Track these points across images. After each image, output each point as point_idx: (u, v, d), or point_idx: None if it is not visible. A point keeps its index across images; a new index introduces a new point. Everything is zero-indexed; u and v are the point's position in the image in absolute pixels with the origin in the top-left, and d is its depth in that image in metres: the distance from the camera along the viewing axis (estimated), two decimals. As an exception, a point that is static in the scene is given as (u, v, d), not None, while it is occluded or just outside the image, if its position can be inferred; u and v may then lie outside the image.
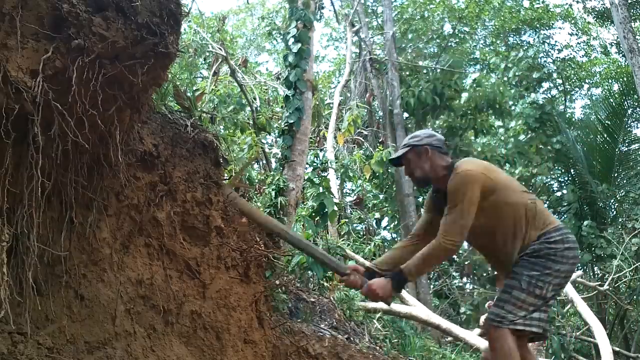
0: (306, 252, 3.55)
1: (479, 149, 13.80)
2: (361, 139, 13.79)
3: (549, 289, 2.76)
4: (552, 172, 15.13)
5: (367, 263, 6.50)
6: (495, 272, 3.15)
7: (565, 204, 13.75)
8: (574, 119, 16.61)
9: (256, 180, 8.32)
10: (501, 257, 2.94)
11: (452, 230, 2.80)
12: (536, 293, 2.74)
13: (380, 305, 6.73)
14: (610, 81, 16.50)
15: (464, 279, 15.88)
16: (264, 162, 10.68)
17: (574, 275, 10.29)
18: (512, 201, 2.86)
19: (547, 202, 16.33)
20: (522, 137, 14.53)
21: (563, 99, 17.50)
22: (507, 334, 2.72)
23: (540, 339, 3.02)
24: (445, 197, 2.93)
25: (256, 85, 11.43)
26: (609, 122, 13.82)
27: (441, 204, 3.00)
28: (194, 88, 7.69)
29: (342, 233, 10.86)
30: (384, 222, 15.48)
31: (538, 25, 17.88)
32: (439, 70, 14.25)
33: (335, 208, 8.09)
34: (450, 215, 2.82)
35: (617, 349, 10.97)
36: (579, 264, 12.91)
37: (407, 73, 14.77)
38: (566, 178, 15.12)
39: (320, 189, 7.93)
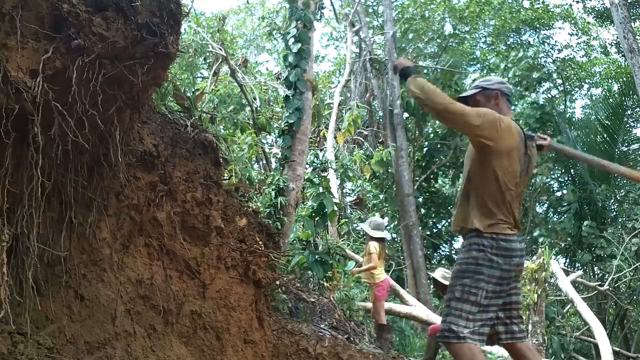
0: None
1: (479, 149, 13.77)
2: (361, 139, 13.80)
3: (483, 295, 2.72)
4: (552, 172, 15.13)
5: (375, 249, 6.43)
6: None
7: (565, 204, 13.76)
8: (574, 119, 16.62)
9: (256, 180, 8.32)
10: (459, 207, 2.95)
11: (457, 107, 2.80)
12: (471, 300, 2.72)
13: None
14: (610, 81, 16.50)
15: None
16: (264, 162, 10.69)
17: (573, 275, 10.30)
18: (498, 175, 2.81)
19: (547, 202, 16.36)
20: (522, 137, 14.51)
21: (563, 99, 17.50)
22: (462, 346, 2.71)
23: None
24: None
25: (256, 85, 11.43)
26: (608, 122, 13.83)
27: None
28: (194, 88, 7.69)
29: (342, 233, 10.86)
30: (384, 222, 15.48)
31: (538, 25, 17.88)
32: (439, 70, 14.25)
33: (335, 208, 8.09)
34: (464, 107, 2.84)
35: (617, 349, 10.98)
36: (579, 264, 12.92)
37: (407, 73, 14.74)
38: (566, 178, 15.13)
39: (320, 189, 7.93)
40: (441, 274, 6.18)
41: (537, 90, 15.72)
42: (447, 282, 5.99)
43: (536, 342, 7.62)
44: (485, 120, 2.79)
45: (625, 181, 14.21)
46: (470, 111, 2.82)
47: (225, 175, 4.18)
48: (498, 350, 6.82)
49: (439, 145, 14.96)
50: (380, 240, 6.70)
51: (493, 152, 2.81)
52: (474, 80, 13.59)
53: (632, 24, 12.13)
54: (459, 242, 17.05)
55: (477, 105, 2.99)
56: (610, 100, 14.10)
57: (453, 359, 2.84)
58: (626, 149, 14.41)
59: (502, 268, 2.75)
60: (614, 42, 17.55)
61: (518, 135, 2.89)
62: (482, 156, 2.84)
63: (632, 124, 14.77)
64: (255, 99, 10.30)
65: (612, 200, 13.94)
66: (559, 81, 17.29)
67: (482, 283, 2.73)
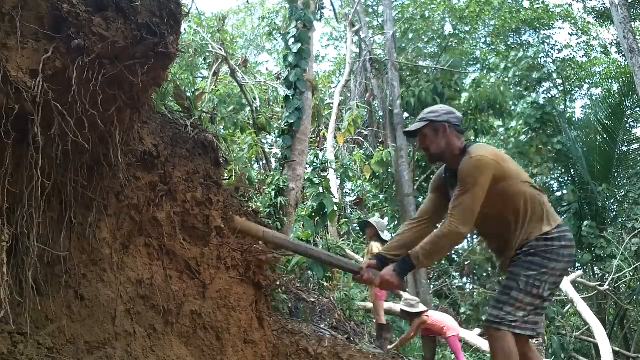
0: (316, 260, 3.60)
1: (479, 149, 13.76)
2: (361, 139, 13.80)
3: (546, 287, 2.76)
4: (552, 172, 15.13)
5: (378, 249, 6.51)
6: (498, 262, 3.14)
7: (565, 204, 13.75)
8: (574, 119, 16.62)
9: (256, 180, 8.32)
10: (503, 246, 2.93)
11: (461, 216, 2.77)
12: (533, 293, 2.75)
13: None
14: (610, 81, 16.51)
15: (464, 279, 15.88)
16: (264, 162, 10.69)
17: (573, 275, 10.30)
18: (519, 190, 2.85)
19: (547, 202, 16.33)
20: (522, 137, 14.53)
21: (563, 99, 17.50)
22: (507, 335, 2.72)
23: (532, 338, 3.01)
24: (455, 176, 2.91)
25: (256, 85, 11.43)
26: (608, 122, 13.83)
27: (451, 183, 2.99)
28: (194, 88, 7.69)
29: (342, 233, 10.86)
30: (384, 222, 15.47)
31: (538, 25, 17.88)
32: (439, 70, 14.25)
33: (335, 208, 8.10)
34: (460, 200, 2.79)
35: (617, 349, 10.97)
36: (579, 264, 12.93)
37: (408, 73, 14.77)
38: (566, 178, 15.13)
39: (320, 189, 7.94)
40: (406, 302, 6.30)
41: (537, 90, 15.73)
42: (412, 310, 6.12)
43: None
44: (485, 180, 2.77)
45: (625, 181, 14.21)
46: (472, 193, 2.76)
47: (225, 175, 4.18)
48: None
49: (439, 145, 14.92)
50: (383, 241, 6.71)
51: (507, 178, 2.85)
52: (474, 80, 13.62)
53: (632, 24, 12.14)
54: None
55: (424, 138, 3.00)
56: (610, 100, 14.10)
57: (491, 347, 2.84)
58: (626, 149, 14.42)
59: (565, 260, 2.81)
60: (614, 42, 17.56)
61: (496, 158, 2.88)
62: (498, 190, 2.84)
63: (632, 124, 14.79)
64: (255, 99, 10.30)
65: (612, 200, 13.94)
66: (559, 81, 17.29)
67: (546, 276, 2.76)
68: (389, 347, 6.22)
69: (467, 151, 2.90)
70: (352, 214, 12.98)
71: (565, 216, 13.66)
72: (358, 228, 10.67)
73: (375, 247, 6.54)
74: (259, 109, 10.10)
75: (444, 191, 3.10)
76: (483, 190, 2.77)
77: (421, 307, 6.32)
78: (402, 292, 6.33)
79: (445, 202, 3.04)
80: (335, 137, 11.83)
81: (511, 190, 2.83)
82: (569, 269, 2.99)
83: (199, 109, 4.88)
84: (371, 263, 3.13)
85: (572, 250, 2.87)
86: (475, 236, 16.02)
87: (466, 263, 14.46)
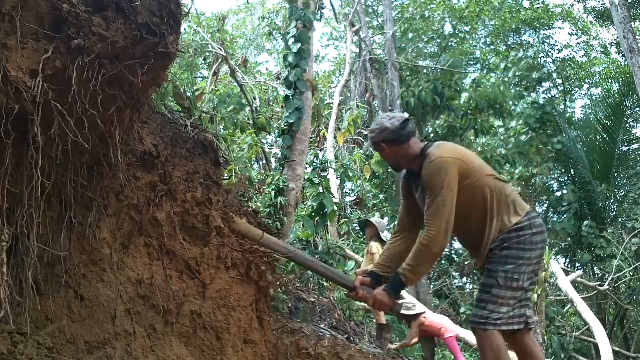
0: (311, 270, 3.60)
1: (479, 149, 13.80)
2: (361, 139, 13.80)
3: (525, 278, 2.76)
4: (552, 172, 15.13)
5: (370, 267, 6.53)
6: (473, 260, 3.12)
7: (565, 204, 13.76)
8: (574, 119, 16.63)
9: (256, 180, 8.32)
10: (476, 243, 2.91)
11: (436, 224, 2.75)
12: (514, 286, 2.74)
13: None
14: (610, 81, 16.51)
15: (464, 279, 15.88)
16: (264, 162, 10.69)
17: (573, 275, 10.31)
18: (485, 184, 2.83)
19: (548, 202, 16.35)
20: (522, 137, 14.53)
21: (563, 99, 17.51)
22: (494, 333, 2.73)
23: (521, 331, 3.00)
24: (418, 177, 2.91)
25: (256, 85, 11.44)
26: (608, 122, 13.83)
27: (415, 184, 2.99)
28: (194, 88, 7.69)
29: (342, 233, 10.86)
30: (385, 222, 15.47)
31: (538, 25, 17.89)
32: (439, 71, 14.25)
33: (335, 208, 8.10)
34: (432, 206, 2.76)
35: (617, 349, 10.98)
36: (579, 264, 12.93)
37: (408, 73, 14.77)
38: (566, 178, 15.13)
39: (320, 189, 7.94)
40: (403, 306, 6.32)
41: (537, 90, 15.73)
42: (409, 312, 6.13)
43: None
44: (451, 180, 2.75)
45: (625, 181, 14.22)
46: (442, 196, 2.74)
47: (225, 175, 4.19)
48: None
49: (439, 145, 14.93)
50: (383, 242, 6.71)
51: (471, 174, 2.84)
52: (474, 80, 13.61)
53: (632, 24, 12.14)
54: (458, 242, 17.03)
55: (388, 158, 3.04)
56: (610, 100, 14.11)
57: (480, 347, 2.84)
58: (626, 149, 14.42)
59: (539, 247, 2.82)
60: (614, 42, 17.56)
61: (458, 155, 2.88)
62: (464, 187, 2.82)
63: (632, 124, 14.80)
64: (255, 99, 10.31)
65: (612, 200, 13.95)
66: (559, 81, 17.30)
67: (523, 267, 2.76)
68: (392, 347, 6.24)
69: (426, 154, 2.86)
70: (352, 214, 12.97)
71: (565, 216, 13.67)
72: (358, 228, 10.68)
73: (375, 247, 6.54)
74: (259, 109, 10.11)
75: (412, 195, 3.09)
76: (452, 191, 2.75)
77: (418, 309, 6.33)
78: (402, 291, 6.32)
79: (416, 205, 3.05)
80: (335, 137, 11.84)
81: (477, 186, 2.82)
82: (544, 254, 2.97)
83: (199, 109, 4.88)
84: (365, 280, 3.09)
85: (544, 235, 2.86)
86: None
87: (466, 263, 14.44)
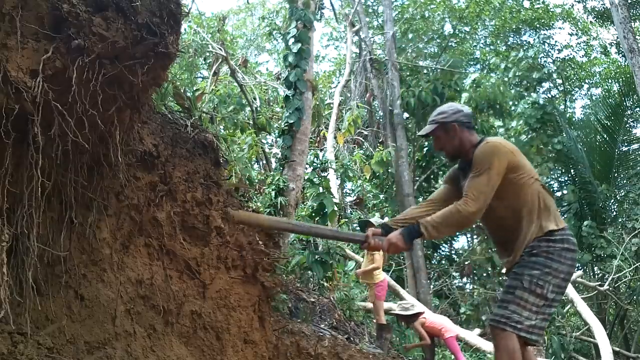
0: (319, 236, 3.63)
1: (479, 149, 13.76)
2: (361, 139, 13.80)
3: (550, 288, 2.76)
4: (552, 172, 15.13)
5: (369, 267, 6.54)
6: (502, 260, 3.12)
7: (565, 204, 13.75)
8: (574, 119, 16.62)
9: (256, 180, 8.32)
10: (510, 241, 2.91)
11: (474, 195, 2.77)
12: (537, 292, 2.74)
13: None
14: (610, 81, 16.50)
15: (464, 279, 15.88)
16: (264, 162, 10.69)
17: (573, 275, 10.30)
18: (530, 185, 2.86)
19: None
20: (522, 137, 14.53)
21: (563, 99, 17.50)
22: (512, 335, 2.72)
23: (533, 344, 3.01)
24: (468, 169, 2.93)
25: (256, 85, 11.44)
26: (608, 122, 13.83)
27: (466, 171, 3.00)
28: (194, 88, 7.69)
29: (342, 233, 10.83)
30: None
31: (538, 25, 17.89)
32: (439, 70, 14.25)
33: (335, 208, 8.09)
34: (475, 181, 2.80)
35: (617, 349, 10.97)
36: (579, 264, 12.92)
37: (407, 73, 14.77)
38: (566, 178, 15.13)
39: (320, 189, 7.93)
40: (400, 306, 6.35)
41: (537, 90, 15.72)
42: (407, 313, 6.16)
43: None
44: (500, 166, 2.78)
45: (625, 181, 14.21)
46: (488, 175, 2.76)
47: (225, 175, 4.18)
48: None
49: (439, 145, 14.92)
50: None
51: (519, 170, 2.85)
52: (474, 80, 13.62)
53: (632, 24, 12.14)
54: (458, 242, 17.03)
55: (438, 140, 3.05)
56: (610, 100, 14.09)
57: (495, 346, 2.82)
58: (626, 149, 14.41)
59: (568, 263, 2.81)
60: (614, 42, 17.56)
61: (511, 148, 2.91)
62: (510, 181, 2.84)
63: (632, 124, 14.77)
64: (255, 99, 10.31)
65: (612, 200, 13.94)
66: (559, 81, 17.29)
67: (549, 277, 2.75)
68: (407, 346, 6.29)
69: (481, 142, 2.94)
70: (352, 214, 12.97)
71: (565, 216, 13.65)
72: (358, 228, 10.67)
73: (375, 247, 6.55)
74: (259, 109, 10.11)
75: (456, 183, 3.11)
76: (498, 174, 2.78)
77: (416, 309, 6.34)
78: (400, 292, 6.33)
79: (457, 193, 3.05)
80: (335, 137, 11.83)
81: (522, 183, 2.84)
82: (573, 272, 2.95)
83: (199, 109, 4.88)
84: (376, 231, 3.13)
85: (574, 254, 2.86)
86: (476, 236, 16.04)
87: (466, 263, 14.46)
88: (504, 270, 3.22)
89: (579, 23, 18.63)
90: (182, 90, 4.31)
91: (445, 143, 3.05)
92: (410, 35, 16.02)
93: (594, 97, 17.79)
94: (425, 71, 14.97)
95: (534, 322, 2.74)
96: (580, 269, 12.85)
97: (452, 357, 6.89)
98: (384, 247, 3.03)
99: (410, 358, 6.94)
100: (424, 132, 3.12)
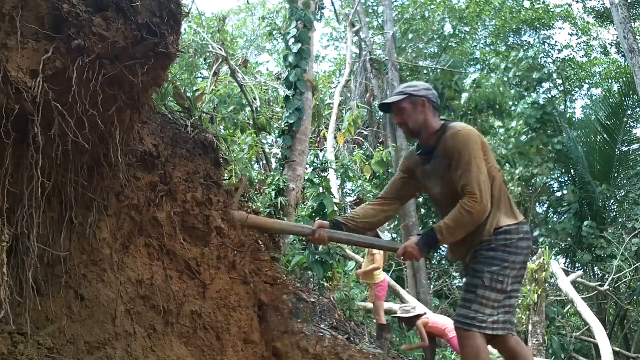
0: (276, 232, 3.69)
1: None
2: (361, 139, 13.81)
3: (509, 281, 2.75)
4: (552, 172, 15.13)
5: (371, 266, 6.53)
6: (454, 253, 3.10)
7: (565, 204, 13.77)
8: (574, 119, 16.63)
9: (256, 180, 8.33)
10: (468, 235, 2.84)
11: (477, 190, 2.69)
12: (498, 288, 2.73)
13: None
14: (610, 81, 16.52)
15: (464, 279, 15.85)
16: (264, 162, 10.70)
17: (573, 275, 10.31)
18: (495, 175, 2.82)
19: (547, 202, 16.35)
20: (522, 137, 14.53)
21: (563, 99, 17.50)
22: (477, 335, 2.70)
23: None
24: (430, 155, 2.88)
25: (256, 85, 11.44)
26: (608, 122, 13.83)
27: (427, 158, 2.93)
28: (194, 88, 7.69)
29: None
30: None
31: (538, 25, 17.89)
32: (439, 71, 14.25)
33: (335, 208, 8.10)
34: (467, 175, 2.71)
35: (617, 349, 10.98)
36: (579, 264, 12.93)
37: (407, 73, 14.78)
38: (566, 178, 15.13)
39: (320, 189, 7.94)
40: (401, 309, 6.37)
41: (537, 90, 15.73)
42: (408, 315, 6.17)
43: (536, 342, 7.62)
44: (479, 152, 2.75)
45: (625, 181, 14.22)
46: (475, 163, 2.71)
47: (225, 175, 4.18)
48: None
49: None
50: None
51: (486, 157, 2.83)
52: (474, 80, 13.62)
53: (632, 24, 12.13)
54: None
55: (402, 112, 2.92)
56: (610, 100, 14.11)
57: (461, 346, 2.82)
58: (626, 149, 14.42)
59: (524, 253, 2.81)
60: (614, 42, 17.56)
61: (480, 136, 2.88)
62: None
63: (632, 124, 14.79)
64: (255, 99, 10.31)
65: (612, 200, 13.95)
66: (559, 81, 17.30)
67: (507, 270, 2.74)
68: (404, 347, 6.29)
69: (447, 127, 2.85)
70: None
71: (565, 216, 13.66)
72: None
73: (376, 247, 6.55)
74: (259, 109, 10.11)
75: (413, 171, 3.05)
76: (482, 160, 2.74)
77: (417, 311, 6.34)
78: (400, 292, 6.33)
79: (412, 185, 3.05)
80: (335, 137, 11.84)
81: (490, 172, 2.81)
82: (528, 260, 2.97)
83: (199, 109, 4.88)
84: (323, 223, 3.10)
85: (529, 242, 2.86)
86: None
87: (466, 263, 14.44)
88: (452, 257, 3.21)
89: (578, 23, 18.65)
90: (182, 90, 4.31)
91: (409, 116, 2.91)
92: (410, 35, 16.03)
93: (594, 97, 17.80)
94: (425, 71, 14.99)
95: (496, 317, 2.73)
96: (580, 269, 12.86)
97: (453, 357, 6.89)
98: (399, 254, 3.00)
99: (410, 358, 6.94)
100: (389, 101, 3.01)
